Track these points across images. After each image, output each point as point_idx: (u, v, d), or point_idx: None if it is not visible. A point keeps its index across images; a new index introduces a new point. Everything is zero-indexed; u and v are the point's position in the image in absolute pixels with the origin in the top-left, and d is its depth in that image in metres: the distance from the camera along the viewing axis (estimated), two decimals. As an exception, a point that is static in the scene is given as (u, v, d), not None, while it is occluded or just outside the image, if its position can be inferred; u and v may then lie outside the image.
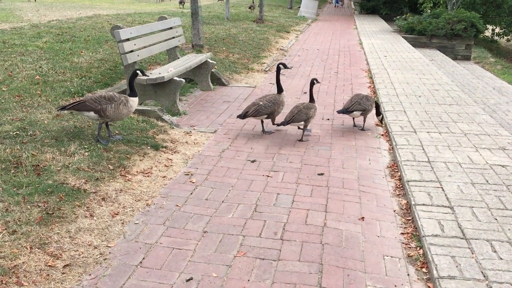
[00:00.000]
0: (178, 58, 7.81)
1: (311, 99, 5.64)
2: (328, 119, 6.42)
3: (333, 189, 4.23)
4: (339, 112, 5.85)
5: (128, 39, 6.18)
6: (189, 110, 6.68)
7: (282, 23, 19.23)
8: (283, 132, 5.83)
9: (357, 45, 14.41)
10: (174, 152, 4.90)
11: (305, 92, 7.99)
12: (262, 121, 5.81)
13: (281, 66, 5.89)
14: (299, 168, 4.69)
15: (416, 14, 18.63)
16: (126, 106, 4.65)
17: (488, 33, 21.54)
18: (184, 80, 6.35)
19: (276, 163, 4.79)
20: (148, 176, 4.24)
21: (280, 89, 5.77)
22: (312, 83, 5.67)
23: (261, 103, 5.50)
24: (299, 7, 25.22)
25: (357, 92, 7.81)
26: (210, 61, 7.75)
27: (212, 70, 8.14)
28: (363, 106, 5.80)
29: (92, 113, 4.52)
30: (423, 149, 5.10)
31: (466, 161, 4.75)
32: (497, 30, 22.19)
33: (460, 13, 15.99)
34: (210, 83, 7.92)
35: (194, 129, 5.77)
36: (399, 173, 4.65)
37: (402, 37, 16.10)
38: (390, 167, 4.85)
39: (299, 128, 5.71)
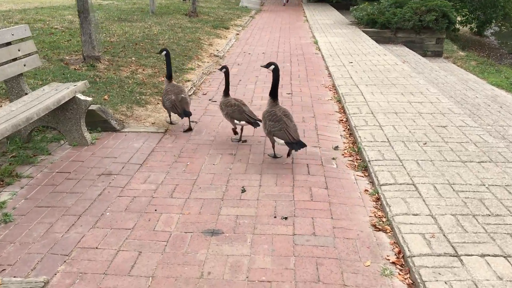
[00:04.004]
0: (25, 94, 4.59)
1: (227, 91, 4.79)
2: (287, 219, 3.45)
3: None
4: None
5: None
6: (20, 207, 3.50)
7: (221, 16, 16.08)
8: (194, 265, 2.83)
9: (312, 44, 11.54)
10: None
11: (245, 141, 4.99)
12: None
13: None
14: None
15: (373, 2, 16.00)
16: None
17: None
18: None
19: None
20: None
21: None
22: (227, 73, 4.83)
23: None
24: (241, -4, 22.08)
25: (324, 133, 4.97)
26: (82, 97, 4.58)
27: (93, 107, 4.99)
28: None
29: None
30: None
31: None
32: (459, 18, 20.12)
33: (428, 0, 13.45)
34: (85, 133, 4.74)
35: (-3, 284, 2.65)
36: None
37: (363, 31, 13.42)
38: None
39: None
